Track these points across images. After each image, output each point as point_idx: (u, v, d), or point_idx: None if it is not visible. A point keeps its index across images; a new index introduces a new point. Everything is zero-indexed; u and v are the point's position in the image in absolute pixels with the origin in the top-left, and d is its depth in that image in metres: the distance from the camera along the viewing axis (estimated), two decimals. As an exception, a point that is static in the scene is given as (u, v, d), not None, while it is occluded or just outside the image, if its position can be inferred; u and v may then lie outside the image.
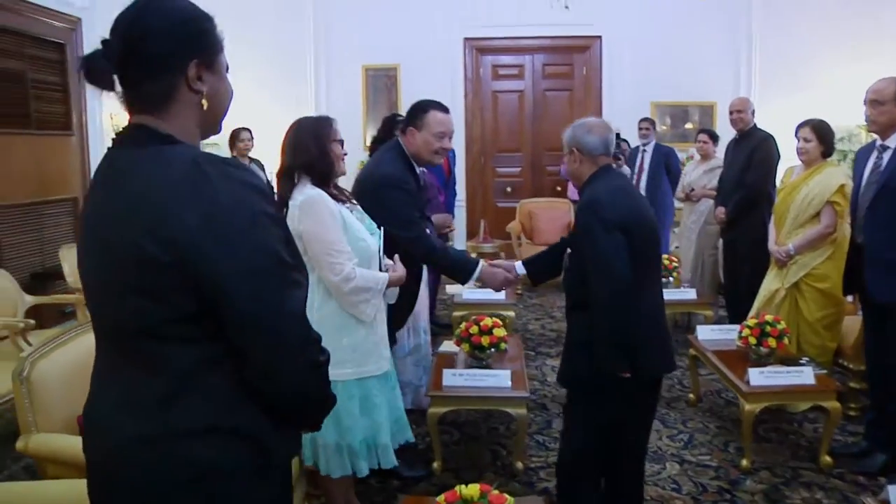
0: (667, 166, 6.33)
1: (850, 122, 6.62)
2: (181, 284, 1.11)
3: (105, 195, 1.19)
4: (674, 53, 7.65)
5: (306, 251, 2.33)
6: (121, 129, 1.21)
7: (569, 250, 2.65)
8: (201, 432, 1.17)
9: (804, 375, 3.28)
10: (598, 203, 2.39)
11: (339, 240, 2.32)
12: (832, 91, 6.88)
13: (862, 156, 3.40)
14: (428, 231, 3.05)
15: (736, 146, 5.00)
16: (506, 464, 3.38)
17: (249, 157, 5.85)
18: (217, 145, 6.91)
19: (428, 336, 4.00)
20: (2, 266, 4.42)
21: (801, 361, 3.48)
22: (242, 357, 1.16)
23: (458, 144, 7.09)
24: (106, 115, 5.53)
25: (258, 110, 6.69)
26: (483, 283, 3.07)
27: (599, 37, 7.91)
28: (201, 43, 1.22)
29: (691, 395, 4.12)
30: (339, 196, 2.48)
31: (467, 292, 4.85)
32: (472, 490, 1.85)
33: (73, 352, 2.33)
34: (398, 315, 2.96)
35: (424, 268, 3.28)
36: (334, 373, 2.32)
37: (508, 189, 8.37)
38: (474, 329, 3.36)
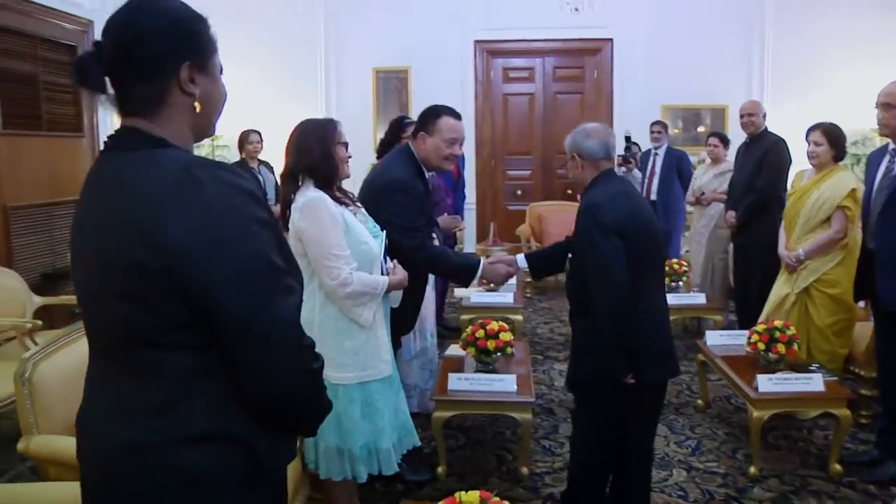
0: (679, 170, 6.28)
1: (864, 125, 6.56)
2: (172, 291, 1.10)
3: (96, 199, 1.18)
4: (685, 56, 7.61)
5: (306, 253, 2.32)
6: (112, 132, 1.20)
7: (570, 255, 2.63)
8: (193, 440, 1.15)
9: (814, 382, 3.24)
10: (596, 208, 2.38)
11: (337, 244, 2.30)
12: (846, 94, 6.82)
13: (874, 160, 3.36)
14: (434, 236, 3.03)
15: (746, 150, 4.96)
16: (511, 469, 3.36)
17: (259, 160, 5.86)
18: (227, 147, 6.97)
19: (434, 339, 3.98)
20: (13, 266, 4.46)
21: (811, 368, 3.44)
22: (235, 364, 1.15)
23: (469, 147, 7.09)
24: (117, 117, 5.56)
25: (268, 112, 6.71)
26: (486, 279, 3.06)
27: (610, 39, 7.88)
28: (194, 44, 1.20)
29: (699, 401, 4.08)
30: (342, 199, 2.46)
31: (475, 295, 4.84)
32: (472, 497, 1.82)
33: (75, 353, 2.33)
34: (404, 319, 2.95)
35: (429, 271, 3.27)
36: (336, 376, 2.36)
37: (518, 192, 8.34)
38: (480, 333, 3.34)
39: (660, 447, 3.55)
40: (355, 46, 7.88)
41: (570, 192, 8.04)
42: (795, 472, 3.28)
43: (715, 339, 3.94)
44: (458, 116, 2.96)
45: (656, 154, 6.39)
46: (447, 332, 5.28)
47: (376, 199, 2.81)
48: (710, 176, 5.67)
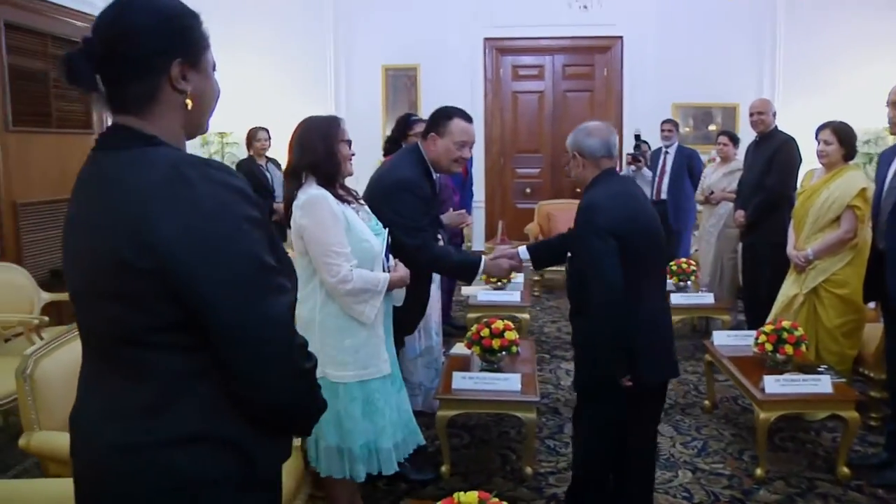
0: (689, 169, 6.23)
1: (876, 124, 6.48)
2: (162, 291, 1.09)
3: (87, 198, 1.17)
4: (696, 54, 7.56)
5: (307, 251, 2.32)
6: (104, 130, 1.19)
7: (569, 254, 2.63)
8: (186, 441, 1.14)
9: (821, 384, 3.20)
10: (593, 208, 2.37)
11: (338, 241, 2.30)
12: (858, 92, 6.74)
13: (885, 159, 3.32)
14: (439, 237, 3.02)
15: (756, 148, 4.91)
16: (515, 468, 3.35)
17: (267, 157, 5.87)
18: (237, 144, 6.99)
19: (440, 338, 3.98)
20: (22, 263, 4.49)
21: (820, 369, 3.40)
22: (227, 365, 1.13)
23: (478, 145, 7.05)
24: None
25: (277, 110, 6.72)
26: (489, 275, 3.05)
27: (621, 37, 7.84)
28: (185, 41, 1.18)
29: (706, 402, 4.05)
30: (345, 196, 2.45)
31: (483, 294, 4.82)
32: (470, 497, 1.80)
33: (77, 351, 2.28)
34: (409, 320, 2.94)
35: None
36: (336, 374, 2.36)
37: (528, 190, 8.32)
38: (485, 332, 3.33)
39: (665, 448, 3.53)
40: (365, 44, 7.88)
41: (578, 190, 7.91)
42: (802, 475, 3.25)
43: (722, 339, 3.91)
44: (469, 119, 2.94)
45: (667, 153, 6.34)
46: (454, 330, 5.27)
47: (382, 197, 2.80)
48: (720, 175, 5.63)
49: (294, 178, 2.43)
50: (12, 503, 1.97)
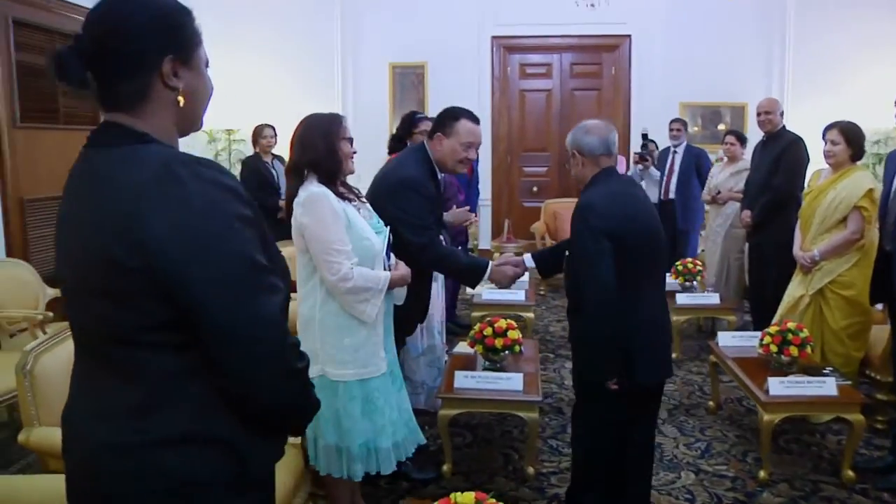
0: (697, 168, 6.19)
1: (886, 124, 6.42)
2: (152, 290, 1.08)
3: (78, 196, 1.16)
4: (704, 53, 7.51)
5: (308, 249, 2.31)
6: (95, 128, 1.19)
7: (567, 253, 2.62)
8: (177, 442, 1.14)
9: (826, 386, 3.17)
10: (588, 209, 2.36)
11: (338, 239, 2.29)
12: (868, 92, 6.67)
13: (893, 159, 3.28)
14: (441, 237, 3.01)
15: (763, 148, 4.88)
16: (517, 468, 3.34)
17: (273, 154, 5.87)
18: (244, 141, 7.00)
19: (442, 336, 3.97)
20: (28, 259, 4.51)
21: (825, 371, 3.37)
22: (218, 364, 1.13)
23: (485, 143, 7.01)
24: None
25: (284, 107, 6.71)
26: (493, 281, 3.04)
27: (629, 36, 7.81)
28: (176, 38, 1.17)
29: (711, 403, 4.02)
30: (346, 194, 2.45)
31: (487, 292, 4.81)
32: (467, 498, 1.80)
33: None
34: (410, 319, 2.94)
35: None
36: (336, 373, 2.35)
37: (535, 189, 8.30)
38: (488, 331, 3.32)
39: (668, 449, 3.51)
40: (372, 41, 7.87)
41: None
42: (806, 478, 3.22)
43: (727, 340, 3.88)
44: (476, 120, 2.92)
45: (675, 152, 6.31)
46: (459, 329, 5.27)
47: (387, 194, 2.80)
48: (727, 174, 5.59)
49: (295, 175, 2.43)
50: (11, 498, 1.98)
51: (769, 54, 7.55)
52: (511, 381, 3.18)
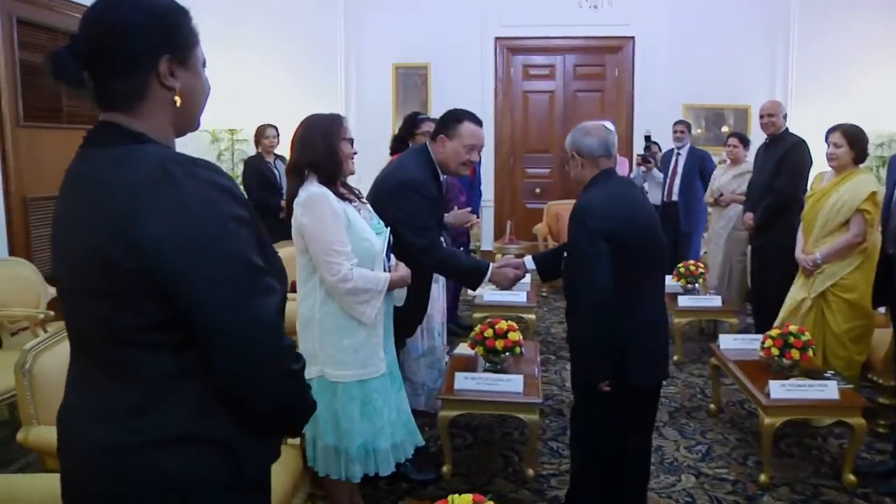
0: (701, 170, 6.17)
1: (890, 127, 6.42)
2: (148, 291, 1.08)
3: (74, 196, 1.16)
4: (708, 55, 7.50)
5: (307, 249, 2.31)
6: (92, 127, 1.18)
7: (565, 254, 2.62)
8: (173, 442, 1.14)
9: (828, 390, 3.16)
10: (586, 210, 2.35)
11: (338, 240, 2.29)
12: (872, 95, 6.67)
13: (895, 162, 3.27)
14: (442, 239, 3.01)
15: (766, 151, 4.87)
16: (517, 470, 3.33)
17: (275, 154, 5.87)
18: (246, 141, 7.01)
19: (443, 338, 3.96)
20: (30, 258, 4.52)
21: (827, 375, 3.36)
22: (213, 365, 1.12)
23: (488, 144, 7.02)
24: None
25: (287, 107, 6.70)
26: (494, 283, 3.04)
27: (632, 37, 7.80)
28: (173, 37, 1.17)
29: (712, 406, 4.01)
30: (346, 194, 2.44)
31: (489, 294, 4.81)
32: (465, 500, 1.79)
33: None
34: (409, 321, 2.93)
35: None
36: (335, 374, 2.35)
37: (537, 190, 8.30)
38: (489, 332, 3.32)
39: (669, 452, 3.50)
40: (375, 42, 7.88)
41: (585, 191, 7.96)
42: (808, 481, 3.21)
43: (728, 342, 3.87)
44: (479, 123, 2.92)
45: (678, 154, 6.29)
46: (460, 330, 5.27)
47: (388, 195, 2.80)
48: (729, 177, 5.57)
49: (295, 175, 2.43)
50: (10, 497, 1.98)
51: (773, 56, 7.53)
52: (511, 383, 3.18)
